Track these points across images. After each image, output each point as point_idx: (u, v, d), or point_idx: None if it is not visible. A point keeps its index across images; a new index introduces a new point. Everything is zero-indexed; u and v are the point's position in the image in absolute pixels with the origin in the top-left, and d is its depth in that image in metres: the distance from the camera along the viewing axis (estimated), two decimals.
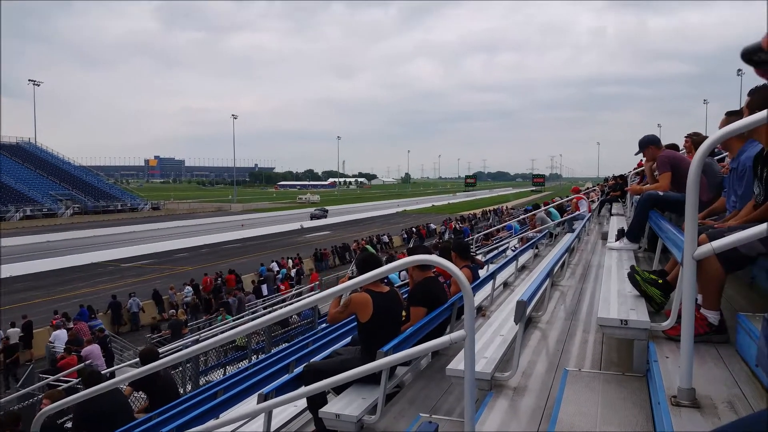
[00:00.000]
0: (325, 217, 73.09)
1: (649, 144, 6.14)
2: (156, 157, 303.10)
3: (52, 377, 12.31)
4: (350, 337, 5.64)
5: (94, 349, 13.84)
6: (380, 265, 3.68)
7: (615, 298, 3.45)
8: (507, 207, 71.46)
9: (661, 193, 5.35)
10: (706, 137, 3.83)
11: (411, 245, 33.15)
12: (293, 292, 25.04)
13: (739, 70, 53.96)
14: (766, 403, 2.14)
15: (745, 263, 2.96)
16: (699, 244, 2.33)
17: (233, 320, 18.16)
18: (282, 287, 27.21)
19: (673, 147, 7.17)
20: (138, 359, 8.95)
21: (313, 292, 22.18)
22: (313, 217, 71.52)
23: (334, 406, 3.63)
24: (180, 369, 11.83)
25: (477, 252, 14.24)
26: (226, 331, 10.64)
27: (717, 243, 2.31)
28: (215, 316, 20.73)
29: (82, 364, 12.58)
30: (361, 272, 4.05)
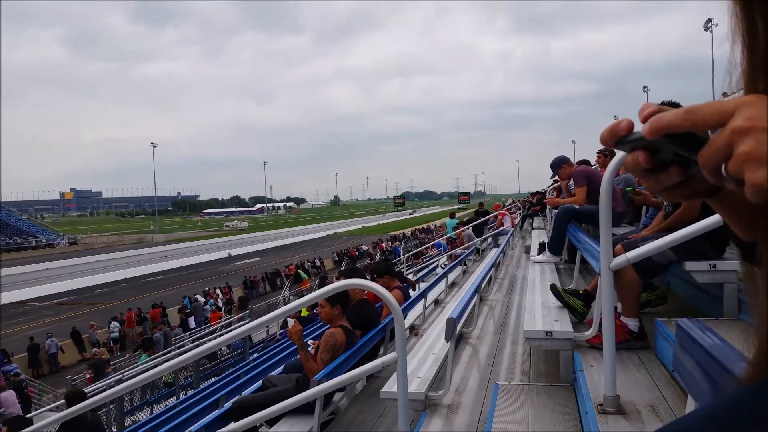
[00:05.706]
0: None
1: (560, 164, 6.41)
2: (72, 190, 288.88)
3: None
4: (282, 366, 5.51)
5: (9, 395, 12.90)
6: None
7: (539, 310, 3.54)
8: (436, 225, 72.45)
9: (576, 207, 5.58)
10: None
11: (343, 267, 32.99)
12: (222, 323, 24.22)
13: (645, 86, 57.55)
14: (686, 406, 2.24)
15: (659, 271, 3.10)
16: (615, 255, 2.43)
17: (159, 356, 17.38)
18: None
19: (585, 163, 7.54)
20: (62, 402, 8.43)
21: (243, 322, 21.53)
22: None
23: None
24: (104, 410, 11.23)
25: (408, 271, 14.34)
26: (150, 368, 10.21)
27: (631, 253, 2.42)
28: (138, 354, 19.75)
29: None
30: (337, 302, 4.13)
